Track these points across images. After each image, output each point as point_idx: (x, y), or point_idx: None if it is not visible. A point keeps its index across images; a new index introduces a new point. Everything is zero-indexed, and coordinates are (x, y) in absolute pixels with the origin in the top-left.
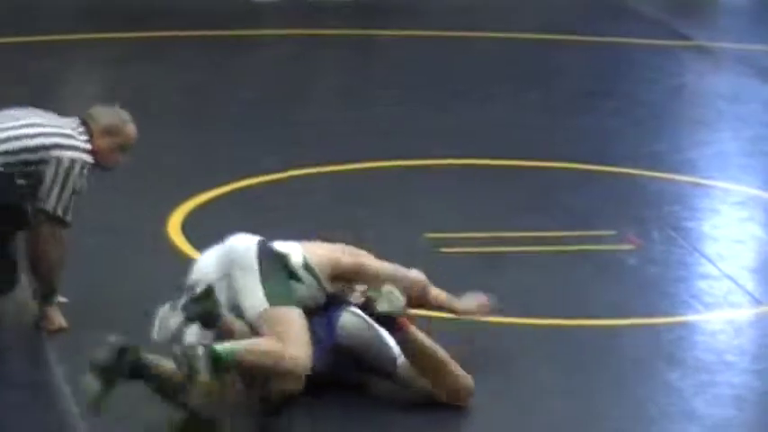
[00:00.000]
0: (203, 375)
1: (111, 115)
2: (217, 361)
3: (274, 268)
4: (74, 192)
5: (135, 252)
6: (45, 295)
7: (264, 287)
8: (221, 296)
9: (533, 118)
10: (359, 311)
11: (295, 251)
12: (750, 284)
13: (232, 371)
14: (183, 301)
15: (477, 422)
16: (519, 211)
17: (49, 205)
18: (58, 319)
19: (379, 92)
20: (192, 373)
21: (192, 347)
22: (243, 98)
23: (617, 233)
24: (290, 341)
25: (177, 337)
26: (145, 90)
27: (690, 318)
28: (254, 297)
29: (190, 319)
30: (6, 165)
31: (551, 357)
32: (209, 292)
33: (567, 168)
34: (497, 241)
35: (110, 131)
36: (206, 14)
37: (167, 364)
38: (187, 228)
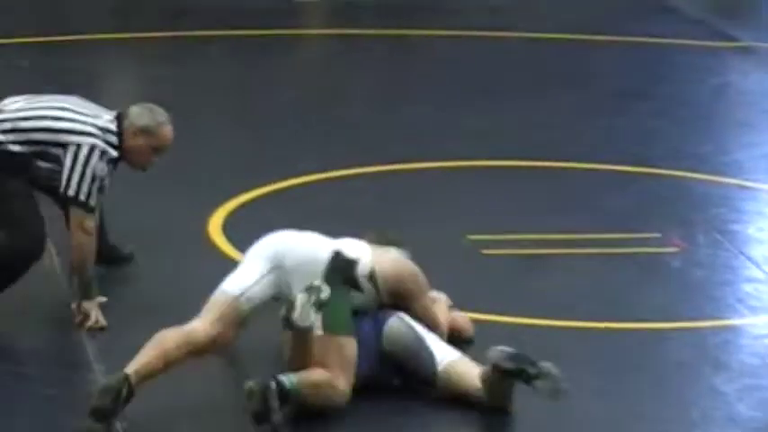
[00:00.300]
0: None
1: (147, 116)
2: (287, 396)
3: (337, 290)
4: (94, 178)
5: (175, 253)
6: (82, 290)
7: (324, 316)
8: (267, 276)
9: (574, 119)
10: (405, 317)
11: (365, 258)
12: None
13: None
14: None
15: (517, 423)
16: (561, 212)
17: (71, 190)
18: (97, 315)
19: (417, 92)
20: (266, 408)
21: (266, 385)
22: (281, 98)
23: (661, 236)
24: (336, 371)
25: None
26: (182, 90)
27: (735, 321)
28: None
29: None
30: (21, 142)
31: (594, 360)
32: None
33: (609, 170)
34: (539, 243)
35: (144, 132)
36: (243, 13)
37: None
38: (228, 228)
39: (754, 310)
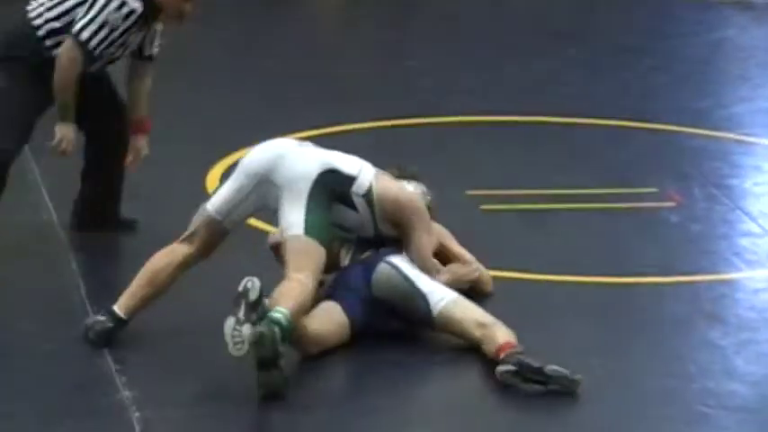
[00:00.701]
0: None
1: None
2: (287, 332)
3: (322, 203)
4: (103, 24)
5: (173, 207)
6: (60, 112)
7: (306, 218)
8: (252, 194)
9: (573, 74)
10: (396, 261)
11: (365, 176)
12: None
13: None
14: (242, 311)
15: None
16: (559, 168)
17: (76, 28)
18: (66, 140)
19: (418, 48)
20: (276, 351)
21: (268, 331)
22: (282, 54)
23: (658, 190)
24: (305, 272)
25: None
26: (183, 47)
27: (732, 276)
28: (293, 220)
29: (252, 324)
30: (56, 16)
31: (591, 315)
32: (262, 292)
33: (607, 125)
34: (538, 198)
35: None
36: None
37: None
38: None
39: (750, 264)
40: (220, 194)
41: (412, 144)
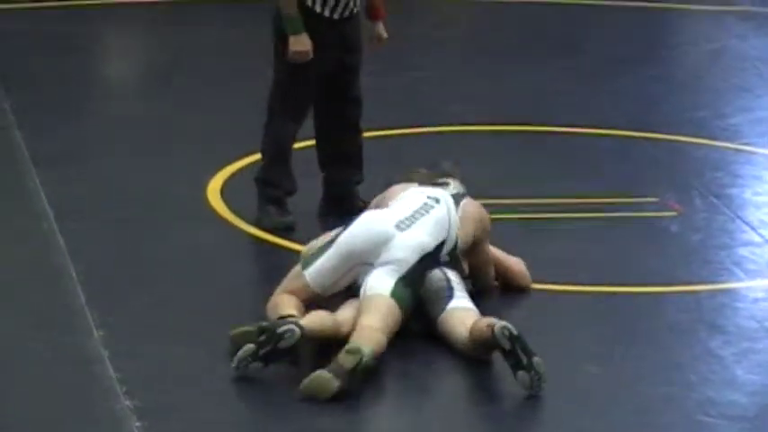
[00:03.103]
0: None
1: None
2: (366, 366)
3: (414, 280)
4: None
5: (174, 218)
6: (292, 29)
7: (396, 286)
8: (349, 273)
9: (573, 84)
10: (447, 271)
11: (452, 235)
12: None
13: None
14: (266, 349)
15: (511, 387)
16: (559, 177)
17: None
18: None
19: (416, 56)
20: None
21: (360, 361)
22: None
23: (659, 200)
24: (385, 332)
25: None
26: (182, 54)
27: (731, 285)
28: (380, 283)
29: (265, 363)
30: None
31: (591, 324)
32: (298, 344)
33: (607, 134)
34: (538, 207)
35: None
36: None
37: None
38: (226, 193)
39: (750, 274)
40: (320, 268)
41: (411, 152)
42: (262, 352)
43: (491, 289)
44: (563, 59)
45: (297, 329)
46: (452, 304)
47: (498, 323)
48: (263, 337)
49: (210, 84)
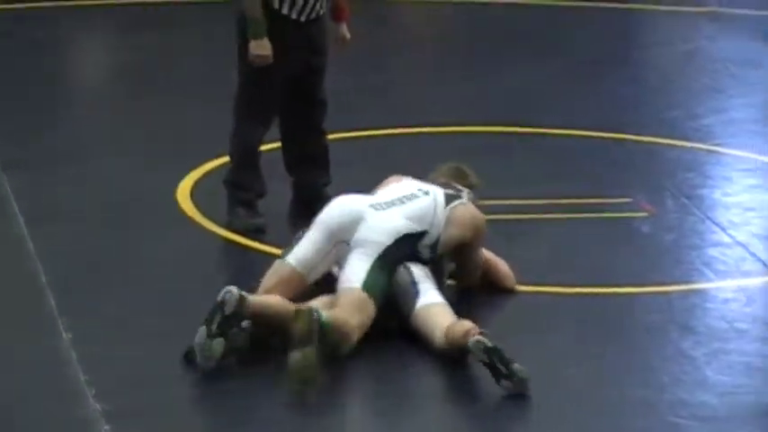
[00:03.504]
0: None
1: None
2: (327, 326)
3: (387, 266)
4: None
5: (144, 220)
6: (253, 32)
7: (368, 275)
8: (330, 254)
9: (546, 85)
10: (411, 266)
11: (436, 228)
12: (762, 252)
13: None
14: (216, 323)
15: (488, 388)
16: (533, 178)
17: None
18: (263, 49)
19: (396, 58)
20: (310, 330)
21: (311, 309)
22: None
23: (631, 200)
24: (353, 324)
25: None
26: (158, 57)
27: (702, 285)
28: (353, 274)
29: (229, 339)
30: None
31: (563, 325)
32: (239, 303)
33: (580, 135)
34: (512, 208)
35: None
36: None
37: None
38: (196, 195)
39: (720, 275)
40: (304, 248)
41: (388, 155)
42: (213, 327)
43: (473, 288)
44: (535, 61)
45: (235, 290)
46: (421, 302)
47: (472, 337)
48: (208, 314)
49: (180, 86)
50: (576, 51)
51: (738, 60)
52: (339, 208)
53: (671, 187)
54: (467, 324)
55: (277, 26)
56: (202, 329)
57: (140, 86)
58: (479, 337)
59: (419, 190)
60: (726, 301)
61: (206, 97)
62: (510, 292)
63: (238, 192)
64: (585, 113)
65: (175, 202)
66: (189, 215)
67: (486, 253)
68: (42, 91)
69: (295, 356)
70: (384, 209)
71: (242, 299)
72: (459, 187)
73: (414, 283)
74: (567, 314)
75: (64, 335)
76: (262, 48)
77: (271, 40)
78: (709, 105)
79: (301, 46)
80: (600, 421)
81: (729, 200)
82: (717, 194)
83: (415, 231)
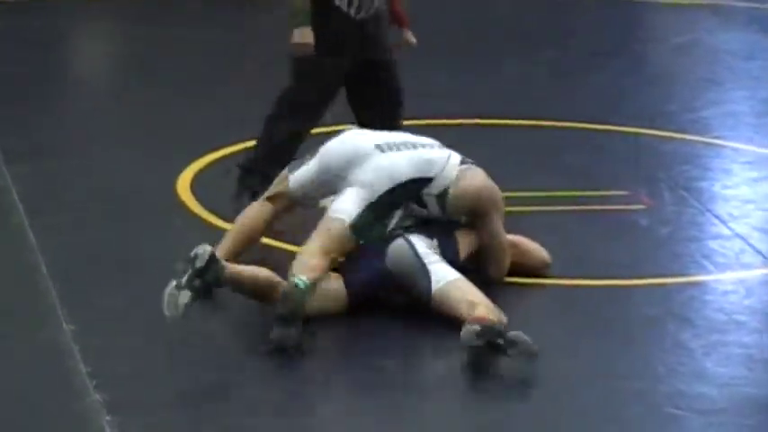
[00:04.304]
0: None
1: None
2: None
3: (383, 211)
4: None
5: (144, 212)
6: (298, 20)
7: (361, 214)
8: (324, 185)
9: (544, 77)
10: (413, 239)
11: (443, 178)
12: (761, 244)
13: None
14: (186, 276)
15: (485, 380)
16: (530, 170)
17: None
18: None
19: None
20: (296, 308)
21: (293, 288)
22: (256, 57)
23: (628, 193)
24: (329, 255)
25: (186, 313)
26: (159, 49)
27: (701, 278)
28: (347, 208)
29: (196, 293)
30: None
31: (561, 317)
32: (211, 261)
33: (578, 128)
34: (509, 201)
35: None
36: None
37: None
38: (196, 187)
39: (719, 267)
40: (301, 174)
41: None
42: (184, 280)
43: (500, 281)
44: (533, 53)
45: (207, 246)
46: (435, 283)
47: (463, 330)
48: (180, 268)
49: (182, 78)
50: (574, 43)
51: (737, 53)
52: (341, 144)
53: (668, 180)
54: (479, 312)
55: (332, 20)
56: (171, 284)
57: (141, 78)
58: (465, 328)
59: (437, 145)
60: (725, 293)
61: (207, 89)
62: (545, 267)
63: (252, 179)
64: (583, 105)
65: (176, 194)
66: (189, 207)
67: (513, 237)
68: (42, 82)
69: (280, 333)
70: (389, 151)
71: (214, 255)
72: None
73: (421, 263)
74: (563, 306)
75: (65, 326)
76: (303, 36)
77: (324, 34)
78: (708, 98)
79: (354, 41)
80: (597, 412)
81: (728, 192)
82: (716, 187)
83: (418, 177)
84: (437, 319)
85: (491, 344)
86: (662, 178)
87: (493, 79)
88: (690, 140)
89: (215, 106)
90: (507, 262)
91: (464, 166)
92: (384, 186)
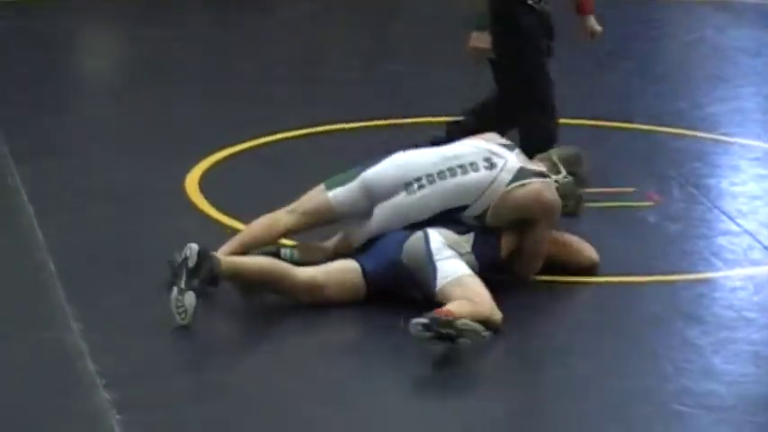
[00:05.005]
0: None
1: None
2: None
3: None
4: None
5: (153, 210)
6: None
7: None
8: (364, 210)
9: (554, 74)
10: (430, 232)
11: (483, 201)
12: None
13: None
14: (183, 279)
15: (493, 378)
16: None
17: None
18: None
19: (396, 50)
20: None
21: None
22: (261, 57)
23: (637, 190)
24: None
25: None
26: (162, 49)
27: (709, 275)
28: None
29: (198, 291)
30: None
31: (568, 314)
32: (201, 257)
33: (586, 125)
34: None
35: None
36: None
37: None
38: (205, 185)
39: (728, 264)
40: (345, 192)
41: (388, 145)
42: (182, 284)
43: (527, 280)
44: None
45: (193, 245)
46: (440, 281)
47: (411, 322)
48: (174, 274)
49: (188, 77)
50: (579, 43)
51: (746, 50)
52: (382, 175)
53: (677, 177)
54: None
55: (526, 13)
56: (174, 291)
57: (147, 78)
58: (413, 321)
59: (486, 160)
60: (734, 289)
61: (208, 89)
62: (593, 267)
63: None
64: (591, 103)
65: (184, 193)
66: (198, 206)
67: (564, 236)
68: (50, 83)
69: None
70: (419, 191)
71: (203, 251)
72: (548, 171)
73: (430, 258)
74: (571, 303)
75: (73, 325)
76: (480, 41)
77: (516, 27)
78: (716, 95)
79: (543, 31)
80: (602, 409)
81: (737, 189)
82: (724, 184)
83: (453, 206)
84: None
85: (440, 335)
86: (671, 175)
87: None
88: (698, 137)
89: (216, 106)
90: (539, 266)
91: (514, 185)
92: (398, 226)
